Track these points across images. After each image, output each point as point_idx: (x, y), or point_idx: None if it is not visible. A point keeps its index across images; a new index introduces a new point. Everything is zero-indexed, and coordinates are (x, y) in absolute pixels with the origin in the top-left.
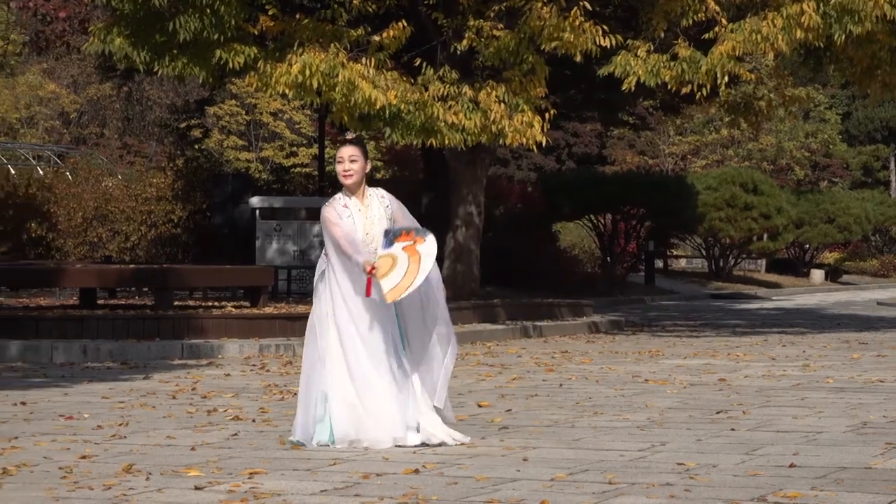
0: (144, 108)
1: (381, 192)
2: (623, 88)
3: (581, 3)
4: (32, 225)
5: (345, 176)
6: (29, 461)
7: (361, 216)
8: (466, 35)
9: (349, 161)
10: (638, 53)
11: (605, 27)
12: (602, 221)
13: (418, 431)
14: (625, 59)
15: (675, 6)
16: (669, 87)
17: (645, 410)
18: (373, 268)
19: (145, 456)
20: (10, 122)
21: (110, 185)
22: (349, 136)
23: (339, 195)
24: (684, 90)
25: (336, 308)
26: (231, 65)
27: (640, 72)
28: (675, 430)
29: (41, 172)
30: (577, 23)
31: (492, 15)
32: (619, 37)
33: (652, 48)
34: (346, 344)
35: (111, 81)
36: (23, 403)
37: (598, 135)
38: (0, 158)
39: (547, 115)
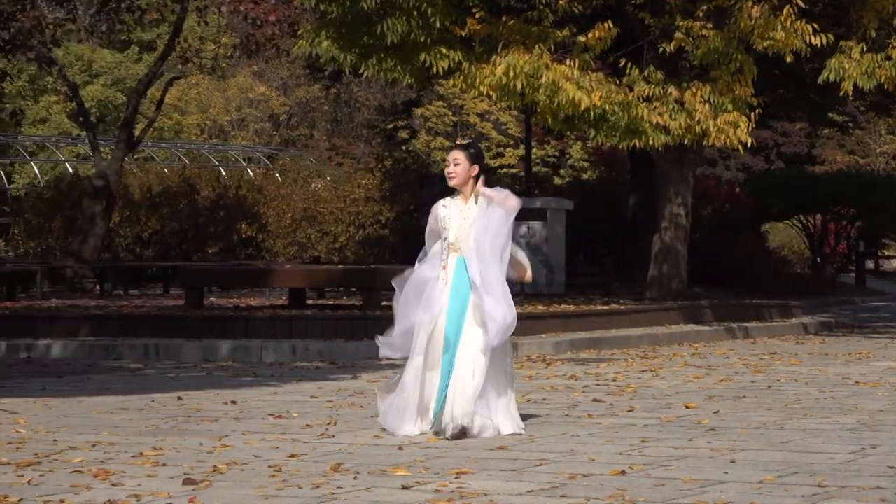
0: (352, 110)
1: (487, 191)
2: (840, 94)
3: (794, 2)
4: (243, 226)
5: (449, 177)
6: (239, 459)
7: (459, 216)
8: (675, 35)
9: (453, 164)
10: (851, 55)
11: (815, 25)
12: (812, 222)
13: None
14: (838, 63)
15: (887, 4)
16: (886, 87)
17: (855, 413)
18: None
19: (353, 455)
20: (221, 125)
21: (319, 186)
22: (459, 141)
23: (448, 198)
24: None
25: None
26: (436, 69)
27: (855, 74)
28: (886, 432)
29: (251, 174)
30: (789, 22)
31: (700, 14)
32: (830, 35)
33: (865, 48)
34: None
35: (319, 83)
36: (233, 402)
37: (808, 134)
38: (211, 160)
39: (753, 116)
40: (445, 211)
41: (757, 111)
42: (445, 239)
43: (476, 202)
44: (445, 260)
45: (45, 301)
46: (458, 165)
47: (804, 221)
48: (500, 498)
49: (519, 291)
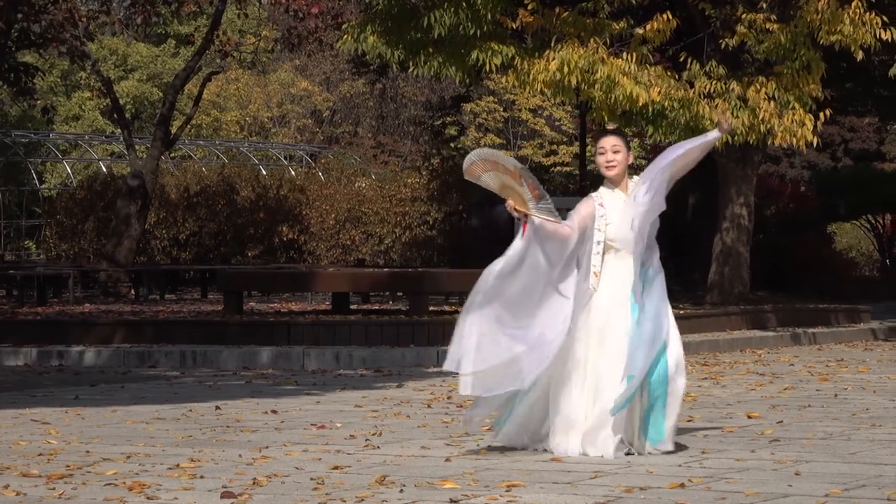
0: (399, 106)
1: (636, 178)
2: None
3: None
4: (284, 227)
5: (608, 167)
6: (279, 471)
7: (623, 207)
8: (738, 29)
9: (612, 151)
10: None
11: (884, 17)
12: (881, 222)
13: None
14: None
15: None
16: None
17: None
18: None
19: (399, 467)
20: (261, 122)
21: (363, 185)
22: (611, 126)
23: (599, 190)
24: None
25: None
26: (488, 67)
27: None
28: None
29: (293, 173)
30: (857, 14)
31: (763, 6)
32: None
33: None
34: None
35: (364, 78)
36: (273, 412)
37: (877, 129)
38: (251, 158)
39: (821, 115)
40: (602, 210)
41: (827, 111)
42: (600, 242)
43: (629, 190)
44: (599, 266)
45: (77, 306)
46: (617, 153)
47: (873, 222)
48: None
49: None
